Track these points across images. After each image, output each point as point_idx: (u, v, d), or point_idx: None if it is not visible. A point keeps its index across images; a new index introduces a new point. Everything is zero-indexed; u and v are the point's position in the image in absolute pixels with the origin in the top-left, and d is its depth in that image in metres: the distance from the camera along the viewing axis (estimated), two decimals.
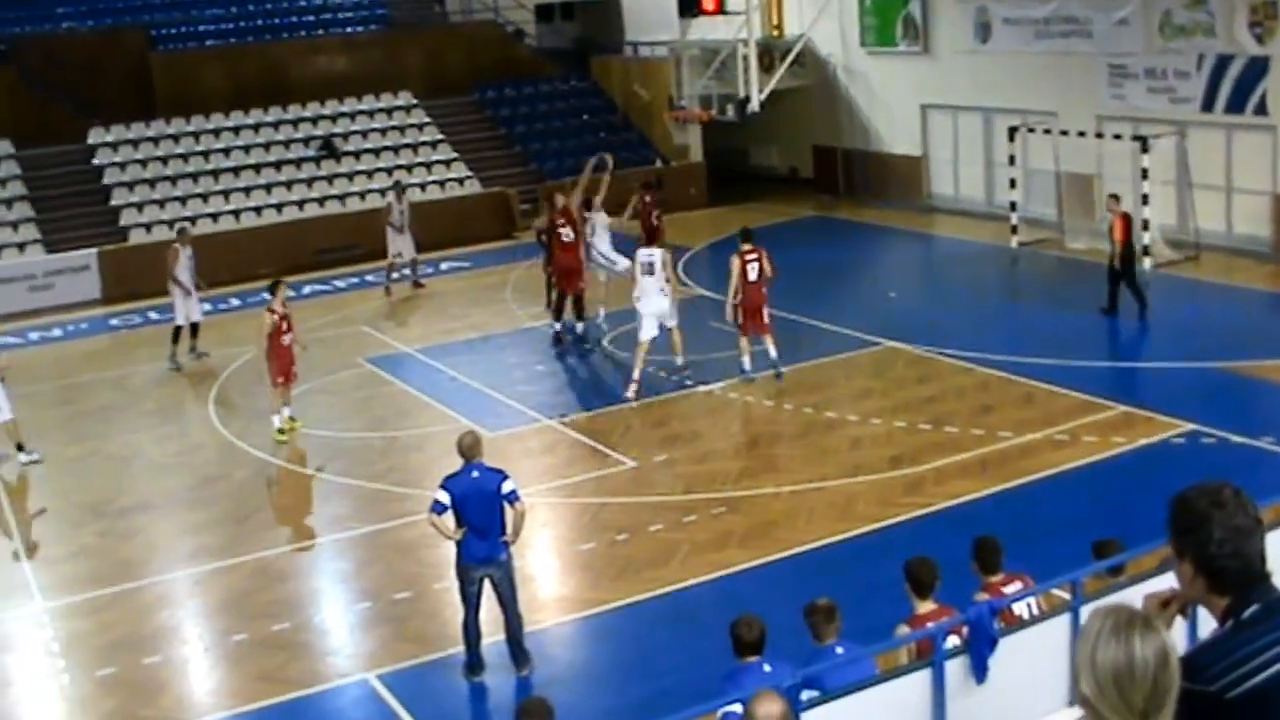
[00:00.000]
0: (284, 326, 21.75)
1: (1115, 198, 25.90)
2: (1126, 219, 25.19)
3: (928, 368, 23.36)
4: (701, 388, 23.01)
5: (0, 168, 37.47)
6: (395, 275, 32.00)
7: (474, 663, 13.98)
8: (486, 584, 13.81)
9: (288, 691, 14.06)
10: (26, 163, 37.77)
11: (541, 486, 19.33)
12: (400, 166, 39.82)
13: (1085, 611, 9.77)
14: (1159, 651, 4.24)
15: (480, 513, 13.57)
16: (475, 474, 13.67)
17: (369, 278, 33.81)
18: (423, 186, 39.24)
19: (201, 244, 31.83)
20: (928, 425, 20.22)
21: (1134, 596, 10.16)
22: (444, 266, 34.32)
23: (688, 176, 41.09)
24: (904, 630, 10.28)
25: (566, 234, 25.46)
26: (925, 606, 10.42)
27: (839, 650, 10.11)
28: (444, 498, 13.52)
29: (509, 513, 13.67)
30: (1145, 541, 11.00)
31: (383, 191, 36.29)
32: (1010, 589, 10.64)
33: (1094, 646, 4.27)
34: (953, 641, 9.75)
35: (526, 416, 22.47)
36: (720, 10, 38.85)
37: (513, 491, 13.69)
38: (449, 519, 13.60)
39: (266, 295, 22.66)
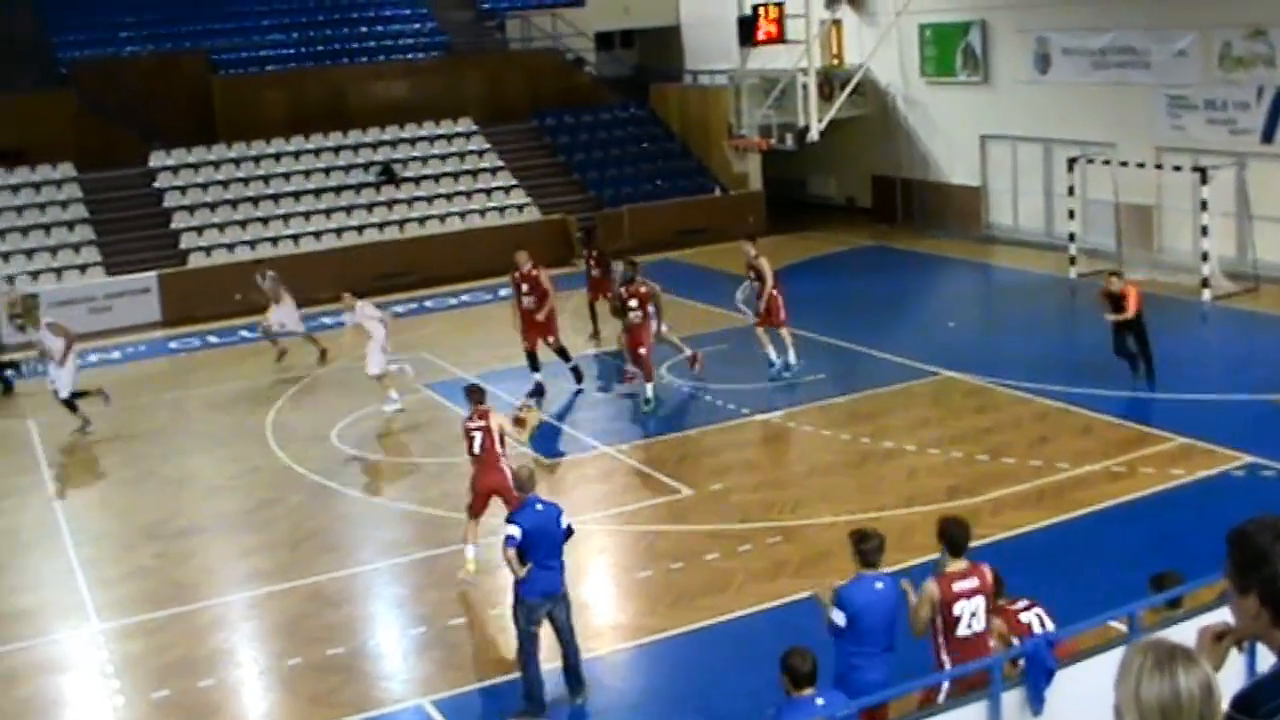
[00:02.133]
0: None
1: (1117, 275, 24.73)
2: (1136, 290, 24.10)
3: (985, 398, 23.24)
4: (758, 417, 22.94)
5: (62, 190, 37.82)
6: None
7: (536, 710, 13.60)
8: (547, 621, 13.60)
9: (341, 715, 14.04)
10: (88, 186, 38.11)
11: (599, 514, 19.33)
12: (459, 193, 39.98)
13: None
14: (1203, 683, 4.20)
15: (546, 546, 13.37)
16: (539, 506, 13.57)
17: (427, 303, 33.95)
18: (482, 213, 39.42)
19: (260, 269, 32.04)
20: (985, 456, 20.10)
21: (1191, 630, 10.09)
22: (502, 293, 34.31)
23: (746, 205, 41.07)
24: (932, 585, 10.40)
25: (527, 302, 25.06)
26: (959, 564, 10.53)
27: (818, 700, 10.14)
28: (516, 532, 13.22)
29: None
30: (1203, 575, 10.93)
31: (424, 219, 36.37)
32: (1023, 615, 10.66)
33: (1138, 682, 4.24)
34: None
35: (583, 444, 22.47)
36: (780, 39, 38.87)
37: (569, 525, 13.67)
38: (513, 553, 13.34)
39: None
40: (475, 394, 17.64)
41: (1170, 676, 4.18)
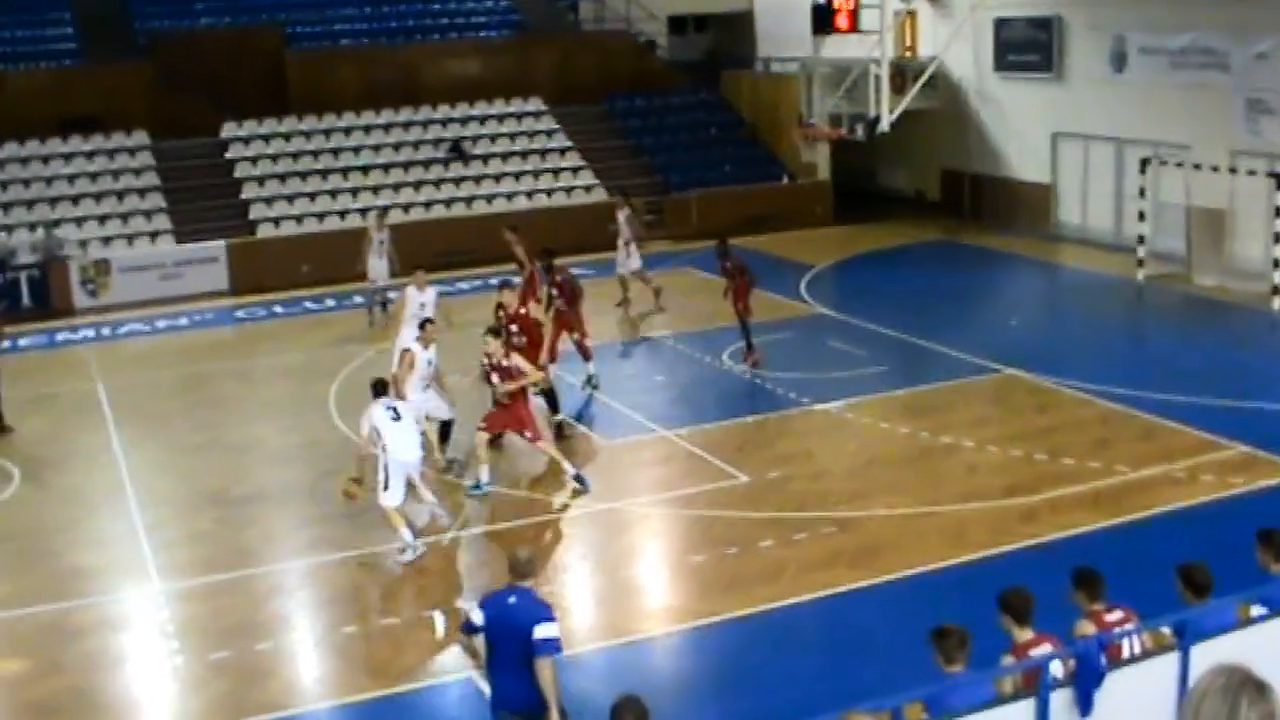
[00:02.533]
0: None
1: None
2: None
3: (1047, 398, 23.19)
4: (818, 407, 22.98)
5: (136, 158, 38.18)
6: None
7: None
8: None
9: (393, 685, 14.21)
10: (161, 154, 38.46)
11: (655, 497, 19.45)
12: (527, 172, 40.11)
13: (1193, 652, 9.71)
14: (1265, 718, 4.22)
15: (502, 649, 11.10)
16: (512, 599, 11.17)
17: (492, 280, 34.07)
18: (549, 193, 39.52)
19: (326, 241, 32.38)
20: (1044, 455, 20.07)
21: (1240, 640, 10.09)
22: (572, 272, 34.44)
23: (814, 194, 41.09)
24: (1009, 660, 10.20)
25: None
26: (1026, 634, 10.35)
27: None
28: (476, 617, 11.29)
29: (539, 667, 10.86)
30: (1257, 585, 10.92)
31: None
32: (1112, 617, 10.55)
33: (1201, 700, 4.27)
34: (1056, 669, 9.72)
35: (643, 427, 22.56)
36: (854, 29, 38.80)
37: (549, 640, 10.88)
38: (479, 642, 11.45)
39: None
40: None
41: (1233, 704, 4.21)
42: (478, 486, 19.57)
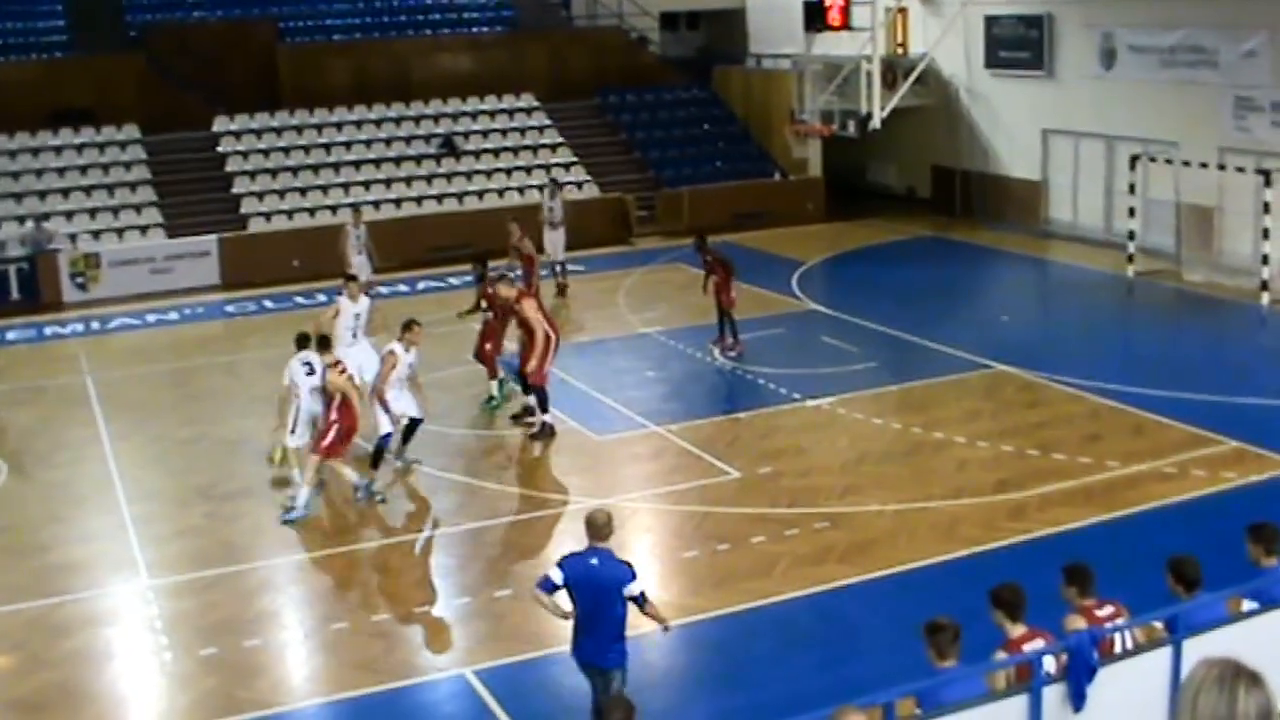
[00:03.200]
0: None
1: None
2: None
3: (1038, 393, 23.20)
4: (809, 402, 22.97)
5: (126, 152, 38.11)
6: None
7: None
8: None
9: (384, 682, 14.17)
10: (153, 148, 38.39)
11: (646, 492, 19.43)
12: (519, 168, 40.08)
13: (1185, 646, 9.70)
14: (1262, 707, 4.21)
15: (587, 607, 11.93)
16: (594, 561, 11.90)
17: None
18: (541, 189, 39.41)
19: (318, 237, 32.34)
20: (1035, 451, 20.07)
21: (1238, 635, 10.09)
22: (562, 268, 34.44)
23: (805, 191, 41.11)
24: (1002, 656, 10.19)
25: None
26: (1018, 630, 10.34)
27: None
28: (556, 577, 11.88)
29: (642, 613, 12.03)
30: (1249, 579, 10.92)
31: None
32: (1103, 613, 10.54)
33: (1196, 693, 4.25)
34: (1049, 664, 9.70)
35: (634, 422, 22.54)
36: (845, 26, 38.79)
37: (637, 598, 11.92)
38: (561, 599, 12.08)
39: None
40: (323, 343, 20.03)
41: (1230, 694, 4.19)
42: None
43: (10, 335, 28.59)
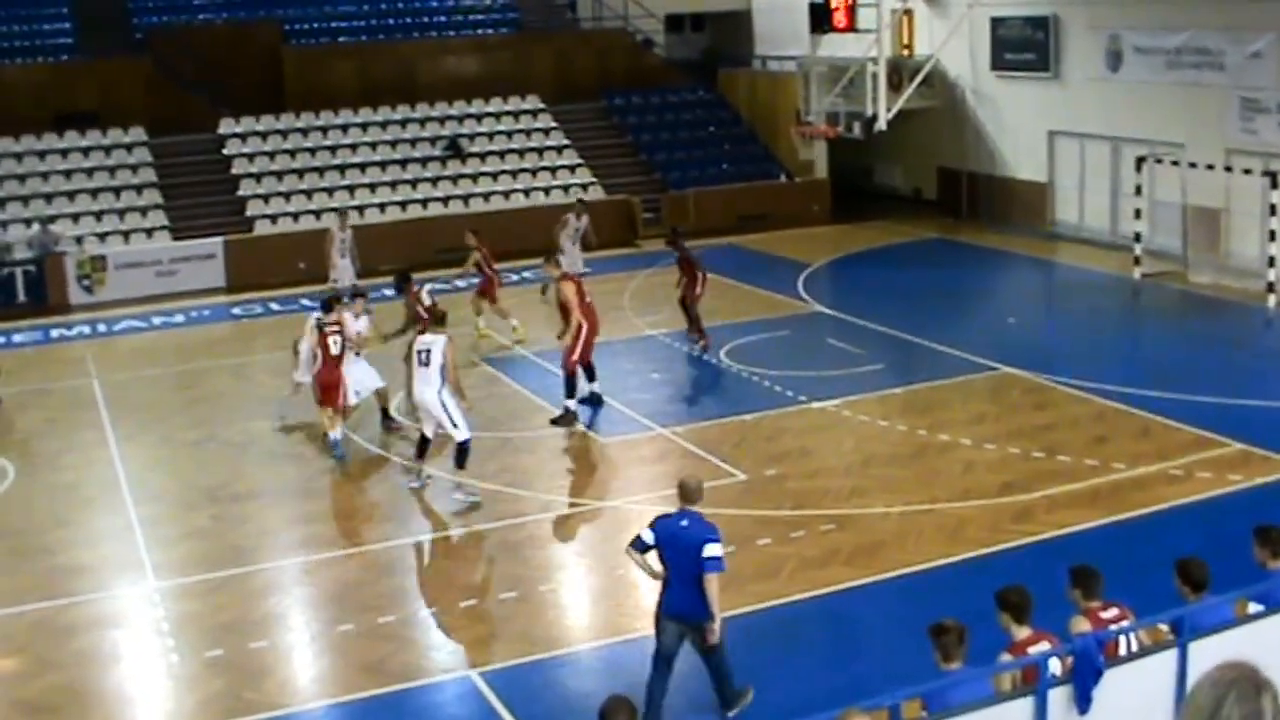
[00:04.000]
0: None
1: None
2: None
3: (1044, 395, 23.18)
4: (815, 404, 22.97)
5: (132, 154, 38.15)
6: None
7: (724, 699, 13.25)
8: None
9: (390, 684, 14.17)
10: (158, 150, 38.46)
11: (652, 495, 19.40)
12: (525, 170, 40.11)
13: (1191, 649, 9.70)
14: (1247, 716, 4.21)
15: (677, 565, 12.59)
16: (684, 523, 12.67)
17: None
18: (546, 190, 39.51)
19: (324, 239, 32.32)
20: (1041, 453, 20.06)
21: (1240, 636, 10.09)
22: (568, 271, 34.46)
23: (811, 192, 41.10)
24: (1007, 658, 10.19)
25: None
26: (1024, 632, 10.34)
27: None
28: (648, 537, 12.72)
29: (706, 580, 12.42)
30: (1255, 581, 10.92)
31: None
32: (1108, 615, 10.54)
33: (1197, 690, 4.25)
34: (1055, 666, 9.71)
35: (639, 424, 22.54)
36: (851, 28, 38.79)
37: (714, 559, 12.40)
38: (652, 559, 12.80)
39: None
40: (332, 303, 22.03)
41: (1219, 698, 4.19)
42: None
43: (17, 338, 28.63)
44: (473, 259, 28.54)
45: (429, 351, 19.18)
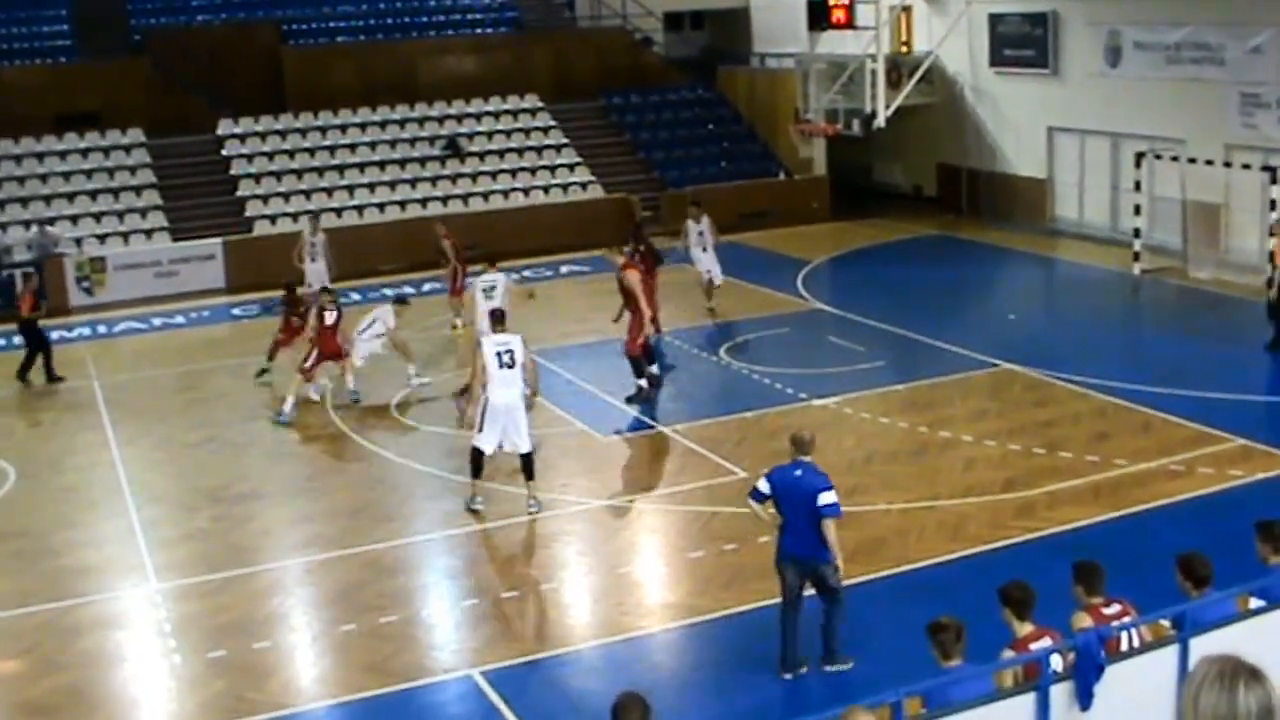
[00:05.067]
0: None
1: None
2: None
3: (1045, 391, 23.18)
4: (816, 402, 22.97)
5: (131, 156, 38.16)
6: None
7: (785, 658, 13.95)
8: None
9: (393, 683, 14.18)
10: (157, 151, 38.46)
11: (653, 493, 19.45)
12: (524, 169, 40.11)
13: (1192, 645, 9.71)
14: (1263, 703, 4.21)
15: (794, 512, 13.47)
16: (798, 472, 13.54)
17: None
18: (546, 189, 39.51)
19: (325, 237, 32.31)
20: (1042, 449, 20.06)
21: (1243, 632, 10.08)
22: (564, 270, 34.49)
23: (811, 190, 41.09)
24: (1010, 654, 10.19)
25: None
26: (1026, 628, 10.34)
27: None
28: (764, 487, 13.63)
29: (825, 527, 13.29)
30: (1257, 576, 10.92)
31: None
32: (1110, 611, 10.54)
33: (1198, 691, 4.26)
34: (1056, 662, 9.71)
35: (640, 422, 22.56)
36: (849, 25, 38.76)
37: (830, 506, 13.26)
38: (770, 507, 13.71)
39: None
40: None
41: (1230, 691, 4.20)
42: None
43: (18, 339, 28.51)
44: (447, 249, 28.61)
45: (512, 351, 18.46)
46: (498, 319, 19.31)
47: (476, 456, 18.54)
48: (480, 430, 18.39)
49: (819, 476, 13.50)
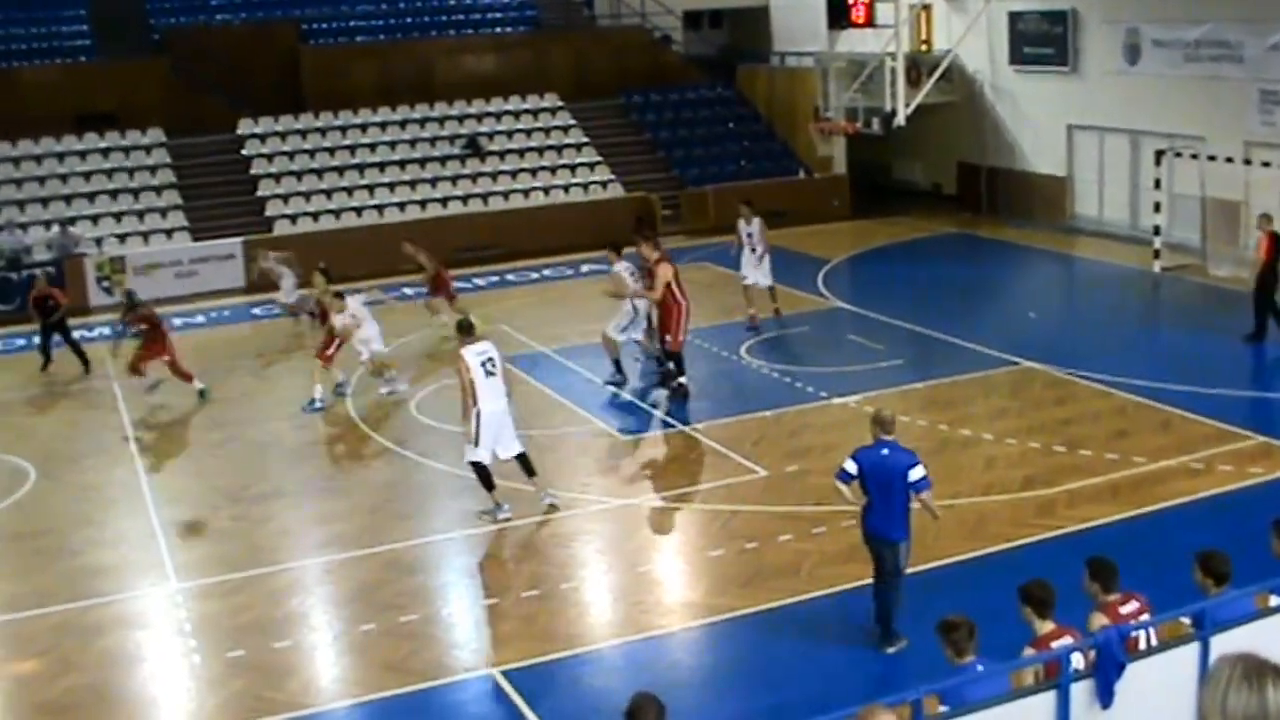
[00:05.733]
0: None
1: (1267, 217, 25.41)
2: (1273, 239, 24.81)
3: (1065, 390, 23.13)
4: (836, 400, 22.95)
5: (151, 155, 38.25)
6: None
7: (887, 633, 14.30)
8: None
9: (413, 682, 14.19)
10: (177, 151, 38.54)
11: (673, 492, 19.45)
12: (543, 168, 40.13)
13: (1212, 642, 9.68)
14: None
15: (880, 491, 13.87)
16: (885, 451, 13.97)
17: (509, 276, 34.20)
18: (565, 188, 39.53)
19: (343, 238, 32.46)
20: (1062, 447, 20.02)
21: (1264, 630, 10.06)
22: (584, 269, 34.47)
23: (830, 188, 41.07)
24: (1030, 652, 10.18)
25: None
26: (1047, 626, 10.32)
27: (979, 668, 9.98)
28: (852, 468, 13.96)
29: (922, 500, 13.94)
30: (1277, 574, 10.89)
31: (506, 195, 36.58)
32: (1126, 608, 10.51)
33: (1225, 693, 4.22)
34: (1077, 661, 9.69)
35: (660, 421, 22.57)
36: (869, 23, 38.70)
37: (921, 480, 13.84)
38: (856, 488, 14.06)
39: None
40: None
41: (1260, 691, 4.17)
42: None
43: (38, 339, 28.56)
44: (424, 260, 28.65)
45: (493, 358, 18.39)
46: (467, 329, 18.84)
47: (481, 470, 18.47)
48: (476, 444, 18.28)
49: (906, 453, 14.03)
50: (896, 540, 13.95)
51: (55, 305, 27.46)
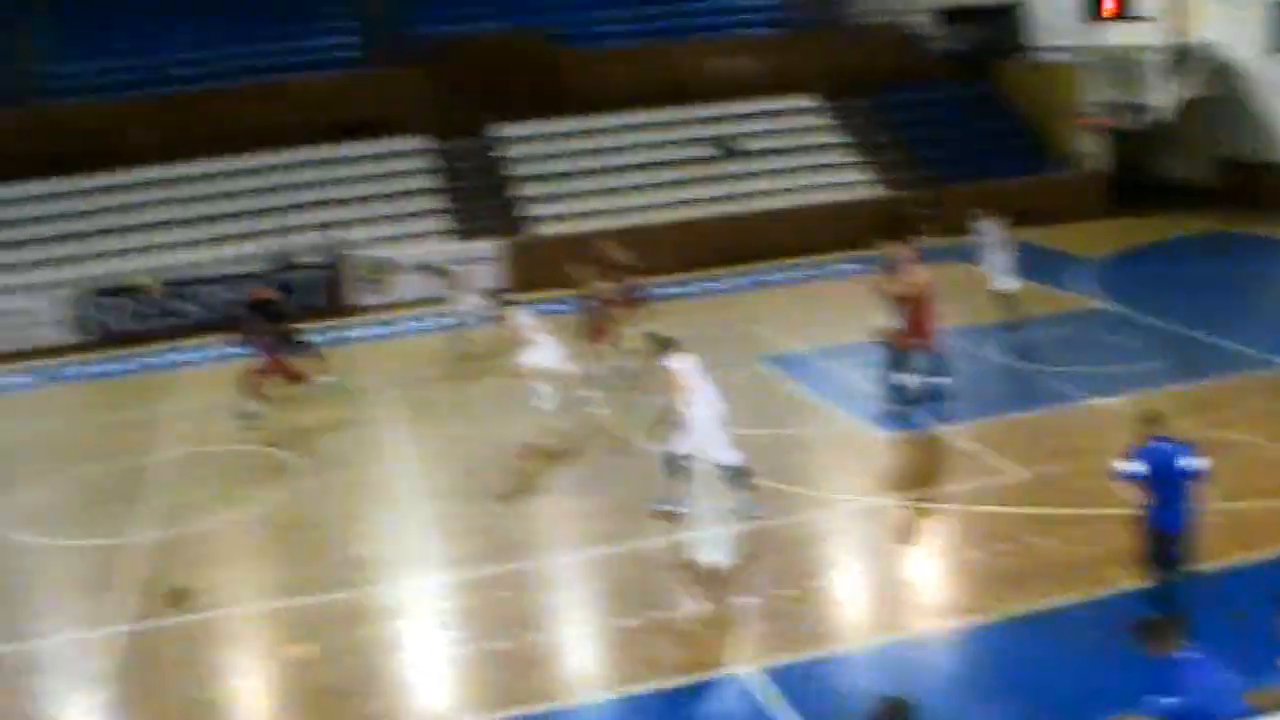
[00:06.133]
0: None
1: None
2: None
3: None
4: (1097, 401, 22.59)
5: (413, 160, 39.14)
6: None
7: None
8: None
9: (669, 678, 14.32)
10: (438, 156, 39.40)
11: (927, 491, 19.34)
12: (798, 168, 40.09)
13: None
14: None
15: (1163, 487, 14.04)
16: (1163, 447, 14.12)
17: (763, 279, 34.27)
18: (819, 188, 39.45)
19: (602, 240, 32.68)
20: None
21: None
22: (845, 269, 34.36)
23: (1089, 185, 40.42)
24: None
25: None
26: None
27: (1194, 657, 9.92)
28: (1134, 466, 14.10)
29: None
30: None
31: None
32: None
33: None
34: None
35: (915, 422, 22.45)
36: (1124, 15, 37.94)
37: (1201, 470, 14.08)
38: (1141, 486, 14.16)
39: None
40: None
41: None
42: None
43: (316, 339, 29.27)
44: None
45: (699, 370, 18.68)
46: (666, 344, 18.96)
47: (733, 469, 18.59)
48: (709, 447, 18.46)
49: (1183, 446, 14.13)
50: (1177, 534, 14.06)
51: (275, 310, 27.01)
